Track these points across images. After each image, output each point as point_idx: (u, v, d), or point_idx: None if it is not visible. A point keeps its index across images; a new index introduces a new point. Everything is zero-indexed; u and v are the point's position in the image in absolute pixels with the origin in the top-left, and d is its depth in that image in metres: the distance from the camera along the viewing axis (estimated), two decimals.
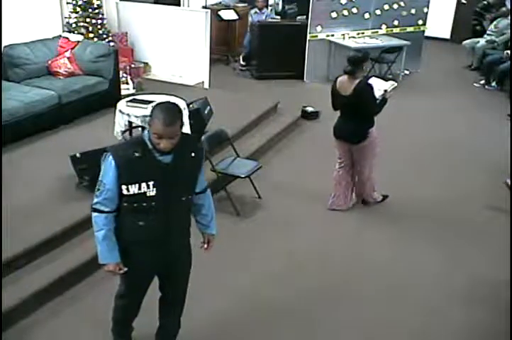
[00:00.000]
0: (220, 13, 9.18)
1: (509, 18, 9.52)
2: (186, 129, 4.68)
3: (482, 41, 9.80)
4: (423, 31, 9.61)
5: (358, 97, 4.51)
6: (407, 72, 9.40)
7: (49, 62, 6.39)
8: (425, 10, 9.36)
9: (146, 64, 7.92)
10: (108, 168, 2.61)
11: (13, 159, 5.05)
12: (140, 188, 2.61)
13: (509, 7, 10.02)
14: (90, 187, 4.39)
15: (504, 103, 8.02)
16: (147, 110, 4.93)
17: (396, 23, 9.22)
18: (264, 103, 7.01)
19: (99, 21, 7.21)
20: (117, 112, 5.06)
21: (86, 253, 3.88)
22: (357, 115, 4.63)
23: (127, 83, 7.02)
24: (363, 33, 8.97)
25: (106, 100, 6.29)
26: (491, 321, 3.73)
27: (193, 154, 2.73)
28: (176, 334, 3.28)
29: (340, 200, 5.04)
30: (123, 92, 6.70)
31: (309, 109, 7.26)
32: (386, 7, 9.01)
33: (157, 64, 7.95)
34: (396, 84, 4.83)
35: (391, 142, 5.73)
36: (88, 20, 7.06)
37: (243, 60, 9.40)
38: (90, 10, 7.07)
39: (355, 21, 8.86)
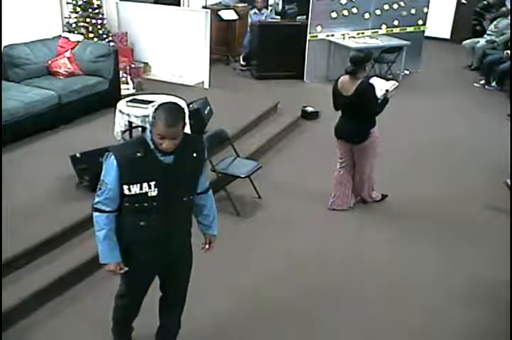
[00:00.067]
0: (220, 13, 9.18)
1: (509, 18, 9.52)
2: (186, 129, 4.68)
3: (482, 41, 9.81)
4: (423, 31, 9.61)
5: (360, 97, 4.51)
6: (407, 72, 9.40)
7: (49, 62, 6.39)
8: (425, 10, 9.36)
9: (146, 64, 7.92)
10: (110, 168, 2.61)
11: (13, 159, 5.05)
12: (141, 188, 2.61)
13: (509, 7, 10.02)
14: (90, 187, 4.41)
15: (504, 103, 8.02)
16: (147, 110, 4.94)
17: (396, 23, 9.22)
18: (264, 103, 7.01)
19: (99, 21, 7.21)
20: (117, 112, 5.06)
21: (86, 253, 3.89)
22: (358, 115, 4.63)
23: (127, 83, 7.02)
24: (363, 33, 8.97)
25: (106, 100, 6.29)
26: (491, 321, 3.73)
27: (195, 155, 2.73)
28: (176, 334, 3.28)
29: (341, 200, 5.04)
30: (123, 92, 6.70)
31: (309, 109, 7.27)
32: (386, 7, 9.01)
33: (157, 64, 7.96)
34: (397, 84, 4.82)
35: (391, 142, 5.73)
36: (88, 20, 7.06)
37: (243, 60, 9.40)
38: (90, 10, 7.07)
39: (355, 21, 8.85)
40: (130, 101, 5.10)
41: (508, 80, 8.46)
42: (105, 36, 7.27)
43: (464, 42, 10.16)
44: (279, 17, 9.38)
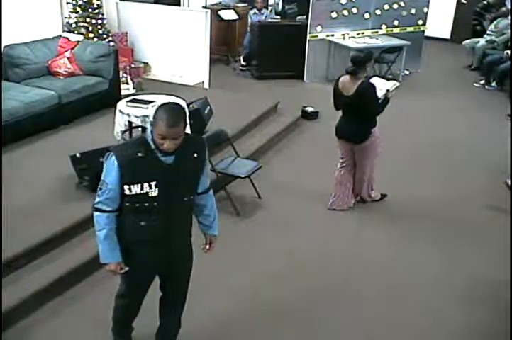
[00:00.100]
0: (220, 13, 9.18)
1: (509, 18, 9.52)
2: (186, 129, 4.68)
3: (482, 41, 9.81)
4: (423, 31, 9.62)
5: (361, 97, 4.51)
6: (407, 72, 9.40)
7: (49, 62, 6.39)
8: (425, 10, 9.36)
9: (146, 64, 7.92)
10: (111, 167, 2.61)
11: (13, 159, 5.05)
12: (142, 188, 2.62)
13: (509, 7, 10.03)
14: (90, 187, 4.41)
15: (504, 103, 8.02)
16: (147, 110, 4.94)
17: (396, 23, 9.22)
18: (264, 103, 7.01)
19: (99, 21, 7.21)
20: (117, 112, 5.06)
21: (86, 253, 3.89)
22: (359, 115, 4.63)
23: (127, 83, 7.02)
24: (363, 33, 8.97)
25: (106, 100, 6.29)
26: (491, 321, 3.73)
27: (195, 155, 2.72)
28: (176, 334, 3.28)
29: (341, 200, 5.04)
30: (123, 92, 6.70)
31: (309, 109, 7.27)
32: (386, 7, 9.01)
33: (157, 64, 7.96)
34: (398, 84, 4.82)
35: (391, 142, 5.73)
36: (88, 20, 7.06)
37: (244, 60, 9.40)
38: (90, 10, 7.07)
39: (355, 21, 8.86)
40: (130, 101, 5.10)
41: (508, 80, 8.46)
42: (105, 36, 7.27)
43: (464, 42, 10.16)
44: (279, 17, 9.38)
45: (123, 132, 5.10)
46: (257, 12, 9.25)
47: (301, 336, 3.57)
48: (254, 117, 6.55)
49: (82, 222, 4.12)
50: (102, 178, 2.67)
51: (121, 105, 5.09)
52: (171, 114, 2.50)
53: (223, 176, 4.98)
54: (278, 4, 10.22)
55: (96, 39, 7.06)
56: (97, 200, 2.70)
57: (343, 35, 8.74)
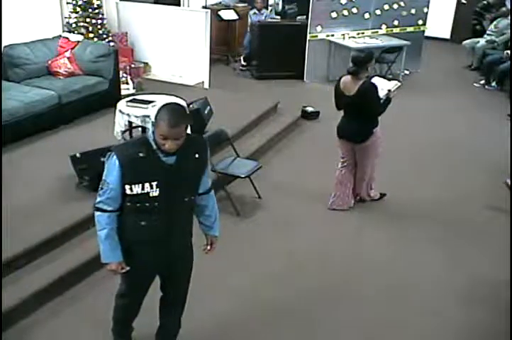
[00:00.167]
0: (220, 13, 9.18)
1: (509, 18, 9.52)
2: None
3: (482, 41, 9.81)
4: (423, 31, 9.62)
5: (362, 97, 4.51)
6: (407, 72, 9.40)
7: (49, 62, 6.39)
8: (425, 10, 9.36)
9: (146, 64, 7.92)
10: (112, 167, 2.61)
11: (13, 159, 5.05)
12: (143, 188, 2.62)
13: (509, 7, 10.03)
14: (90, 187, 4.41)
15: (504, 103, 8.02)
16: (147, 110, 4.94)
17: (396, 23, 9.22)
18: (264, 103, 7.02)
19: (99, 21, 7.21)
20: (117, 112, 5.06)
21: (86, 253, 3.89)
22: (360, 115, 4.63)
23: (127, 83, 7.02)
24: (363, 33, 8.97)
25: (106, 100, 6.29)
26: (491, 321, 3.73)
27: (197, 155, 2.72)
28: (176, 334, 3.28)
29: (341, 199, 5.04)
30: (123, 92, 6.70)
31: (309, 109, 7.27)
32: (386, 7, 9.01)
33: (157, 64, 7.96)
34: (399, 84, 4.82)
35: (390, 142, 5.72)
36: (88, 20, 7.06)
37: (244, 60, 9.40)
38: (90, 10, 7.07)
39: (355, 21, 8.86)
40: (130, 101, 5.10)
41: (508, 80, 8.46)
42: (105, 36, 7.27)
43: (464, 42, 10.16)
44: (279, 17, 9.38)
45: (123, 132, 5.11)
46: (256, 12, 9.26)
47: (301, 336, 3.57)
48: (254, 117, 6.55)
49: (82, 222, 4.12)
50: (103, 177, 2.67)
51: (121, 105, 5.09)
52: (173, 114, 2.50)
53: (223, 176, 4.98)
54: (278, 4, 10.22)
55: (96, 39, 7.06)
56: (98, 199, 2.70)
57: (343, 35, 8.74)
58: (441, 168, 6.01)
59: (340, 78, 4.72)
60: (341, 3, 8.61)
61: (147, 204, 2.66)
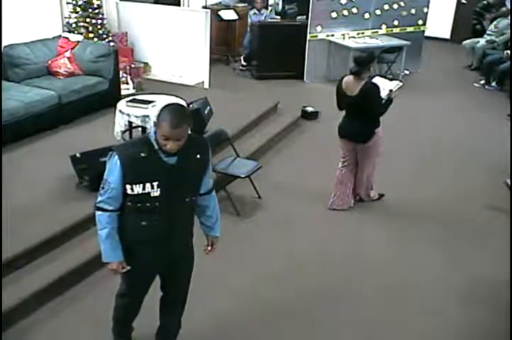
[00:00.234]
0: (220, 13, 9.18)
1: (509, 18, 9.52)
2: None
3: (482, 41, 9.81)
4: (423, 31, 9.62)
5: (364, 97, 4.51)
6: (407, 72, 9.40)
7: (49, 62, 6.39)
8: (425, 10, 9.36)
9: (146, 64, 7.92)
10: (114, 167, 2.61)
11: (13, 159, 5.05)
12: (144, 188, 2.62)
13: (509, 7, 10.03)
14: (90, 187, 4.41)
15: (504, 103, 8.02)
16: (147, 110, 4.95)
17: (396, 23, 9.22)
18: (264, 103, 7.02)
19: (99, 21, 7.21)
20: (117, 112, 5.07)
21: (86, 253, 3.89)
22: (362, 115, 4.63)
23: (127, 83, 7.02)
24: (363, 33, 8.97)
25: (106, 100, 6.29)
26: (491, 321, 3.73)
27: (198, 156, 2.72)
28: (176, 334, 3.28)
29: (341, 199, 5.04)
30: (123, 92, 6.70)
31: (309, 109, 7.27)
32: (386, 7, 9.01)
33: (157, 64, 7.96)
34: (401, 84, 4.81)
35: (390, 142, 5.71)
36: (88, 20, 7.06)
37: (244, 60, 9.40)
38: (90, 10, 7.07)
39: (355, 21, 8.86)
40: (130, 101, 5.10)
41: (508, 80, 8.46)
42: (105, 36, 7.27)
43: (464, 42, 10.16)
44: (279, 17, 9.38)
45: (123, 132, 5.11)
46: (256, 12, 9.26)
47: (301, 336, 3.57)
48: (254, 117, 6.55)
49: (82, 222, 4.12)
50: (104, 177, 2.67)
51: (121, 105, 5.09)
52: (175, 115, 2.50)
53: (223, 176, 4.98)
54: (278, 4, 10.22)
55: (96, 39, 7.06)
56: (99, 199, 2.70)
57: (343, 35, 8.74)
58: (441, 168, 6.01)
59: (342, 78, 4.73)
60: (341, 3, 8.61)
61: (148, 204, 2.66)
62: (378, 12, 8.98)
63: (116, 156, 2.60)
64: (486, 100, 8.34)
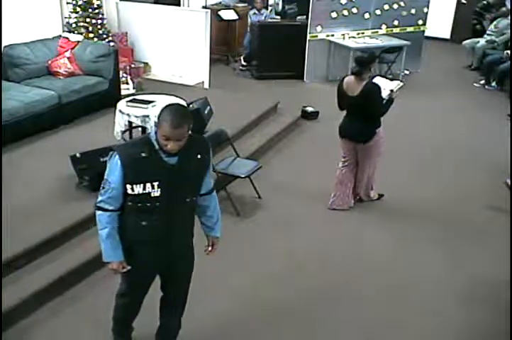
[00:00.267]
0: (220, 13, 9.18)
1: (509, 18, 9.52)
2: None
3: (482, 41, 9.81)
4: (423, 31, 9.62)
5: (366, 97, 4.51)
6: (407, 72, 9.40)
7: (49, 62, 6.39)
8: (425, 10, 9.36)
9: (146, 64, 7.92)
10: (114, 167, 2.61)
11: (13, 159, 5.05)
12: (144, 188, 2.62)
13: (509, 7, 10.03)
14: (90, 187, 4.41)
15: (504, 103, 8.02)
16: (147, 110, 4.95)
17: (396, 23, 9.22)
18: (264, 103, 7.02)
19: (99, 21, 7.21)
20: (117, 112, 5.07)
21: (86, 253, 3.89)
22: (363, 115, 4.63)
23: (127, 83, 7.02)
24: (363, 33, 8.97)
25: (106, 100, 6.29)
26: (491, 321, 3.73)
27: (199, 156, 2.73)
28: (176, 334, 3.28)
29: (341, 199, 5.04)
30: (123, 92, 6.70)
31: (309, 109, 7.27)
32: (386, 7, 9.01)
33: (157, 64, 7.96)
34: (402, 84, 4.81)
35: (390, 142, 5.71)
36: (88, 20, 7.06)
37: (244, 60, 9.40)
38: (90, 10, 7.07)
39: (355, 21, 8.86)
40: (130, 101, 5.10)
41: (508, 80, 8.46)
42: (105, 36, 7.27)
43: (464, 42, 10.16)
44: (278, 17, 9.38)
45: (123, 132, 5.11)
46: (256, 12, 9.26)
47: (301, 336, 3.57)
48: (254, 117, 6.55)
49: (82, 222, 4.12)
50: (105, 176, 2.67)
51: (121, 105, 5.09)
52: (176, 115, 2.50)
53: (223, 176, 4.98)
54: (278, 4, 10.22)
55: (96, 39, 7.06)
56: (99, 198, 2.70)
57: (343, 35, 8.74)
58: (441, 168, 6.01)
59: (343, 78, 4.73)
60: (341, 3, 8.61)
61: (148, 204, 2.66)
62: (378, 12, 8.98)
63: (117, 156, 2.60)
64: (486, 100, 8.34)
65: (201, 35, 7.51)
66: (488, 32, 9.91)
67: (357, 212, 5.07)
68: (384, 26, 9.17)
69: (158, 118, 2.53)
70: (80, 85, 6.15)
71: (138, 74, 7.52)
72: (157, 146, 2.60)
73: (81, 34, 6.90)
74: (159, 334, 3.29)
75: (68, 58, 6.40)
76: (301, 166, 5.90)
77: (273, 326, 3.63)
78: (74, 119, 6.04)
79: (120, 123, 5.05)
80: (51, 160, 5.02)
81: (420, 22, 9.44)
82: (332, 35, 8.73)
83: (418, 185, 5.59)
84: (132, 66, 7.50)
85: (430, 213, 5.09)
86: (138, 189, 2.61)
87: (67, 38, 6.64)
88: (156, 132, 2.57)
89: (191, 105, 5.58)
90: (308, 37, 8.54)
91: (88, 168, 4.47)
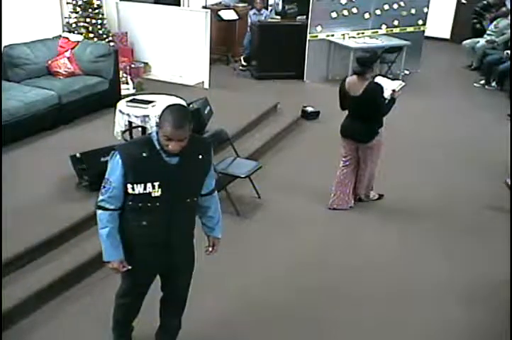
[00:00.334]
0: (220, 13, 9.18)
1: (509, 18, 9.52)
2: None
3: (482, 41, 9.80)
4: (423, 31, 9.61)
5: (368, 97, 4.51)
6: (407, 72, 9.40)
7: (49, 62, 6.39)
8: (425, 10, 9.36)
9: (146, 64, 7.92)
10: (115, 166, 2.62)
11: (13, 159, 5.05)
12: (145, 188, 2.62)
13: (509, 7, 10.02)
14: (90, 187, 4.41)
15: (504, 103, 8.02)
16: (147, 110, 4.95)
17: (396, 23, 9.22)
18: (264, 103, 7.02)
19: (99, 21, 7.21)
20: (117, 112, 5.07)
21: (86, 253, 3.89)
22: (365, 115, 4.63)
23: (127, 83, 7.03)
24: (363, 33, 8.97)
25: (106, 100, 6.29)
26: (491, 321, 3.73)
27: (200, 156, 2.73)
28: (176, 334, 3.28)
29: (341, 199, 5.04)
30: (123, 92, 6.70)
31: (309, 109, 7.26)
32: (386, 7, 9.01)
33: (157, 64, 7.96)
34: (403, 83, 4.81)
35: (390, 142, 5.72)
36: (88, 20, 7.07)
37: (244, 60, 9.40)
38: (90, 10, 7.08)
39: (355, 21, 8.86)
40: (130, 101, 5.10)
41: (508, 80, 8.46)
42: (105, 36, 7.27)
43: (464, 42, 10.16)
44: (279, 17, 9.37)
45: (123, 132, 5.11)
46: (256, 12, 9.25)
47: (301, 336, 3.56)
48: (254, 117, 6.55)
49: (82, 222, 4.12)
50: (106, 176, 2.67)
51: (121, 105, 5.09)
52: (177, 116, 2.51)
53: (223, 176, 4.98)
54: (278, 4, 10.21)
55: (96, 39, 7.06)
56: (100, 198, 2.70)
57: (343, 35, 8.75)
58: (441, 168, 6.00)
59: (345, 78, 4.72)
60: (341, 3, 8.61)
61: (148, 204, 2.66)
62: (378, 12, 8.98)
63: (118, 156, 2.60)
64: (486, 100, 8.34)
65: (201, 35, 7.51)
66: (488, 32, 9.90)
67: (357, 212, 5.07)
68: (384, 26, 9.16)
69: (159, 119, 2.54)
70: (80, 85, 6.15)
71: (138, 74, 7.52)
72: (158, 147, 2.60)
73: (81, 34, 6.90)
74: (159, 334, 3.29)
75: (68, 58, 6.40)
76: (301, 166, 5.90)
77: (273, 326, 3.62)
78: (74, 119, 6.04)
79: (120, 123, 5.05)
80: (51, 160, 5.02)
81: (420, 22, 9.44)
82: (332, 35, 8.73)
83: (418, 185, 5.59)
84: (132, 66, 7.50)
85: (430, 213, 5.09)
86: (139, 189, 2.61)
87: (67, 38, 6.64)
88: (157, 133, 2.58)
89: (191, 105, 5.58)
90: (308, 37, 8.54)
91: (88, 168, 4.47)
